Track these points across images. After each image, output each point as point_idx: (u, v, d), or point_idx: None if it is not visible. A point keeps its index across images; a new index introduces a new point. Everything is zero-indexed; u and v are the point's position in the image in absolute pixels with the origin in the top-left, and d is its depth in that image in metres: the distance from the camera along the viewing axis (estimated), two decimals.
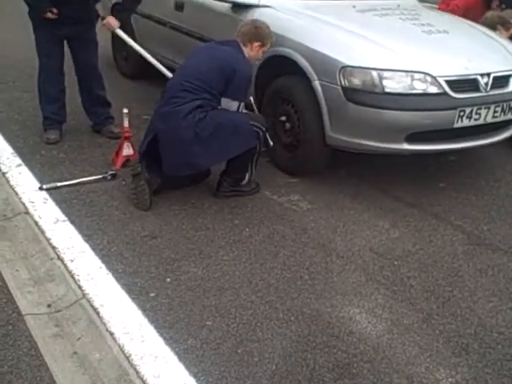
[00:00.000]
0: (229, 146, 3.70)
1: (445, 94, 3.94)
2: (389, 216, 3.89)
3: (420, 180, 4.46)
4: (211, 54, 3.82)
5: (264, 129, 3.80)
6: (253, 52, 3.90)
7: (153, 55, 5.58)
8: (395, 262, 3.35)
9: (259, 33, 3.91)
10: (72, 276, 2.99)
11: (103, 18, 4.73)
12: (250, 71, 3.83)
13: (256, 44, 3.90)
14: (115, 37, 6.48)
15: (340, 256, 3.38)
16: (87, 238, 3.36)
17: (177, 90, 3.71)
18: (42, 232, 3.37)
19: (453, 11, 5.79)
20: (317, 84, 4.02)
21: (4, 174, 4.01)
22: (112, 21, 4.67)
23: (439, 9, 6.16)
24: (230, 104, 3.74)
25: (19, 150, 4.38)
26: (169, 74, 4.67)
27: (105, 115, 4.86)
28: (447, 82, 3.94)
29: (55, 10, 4.35)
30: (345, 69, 3.90)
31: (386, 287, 3.11)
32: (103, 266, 3.10)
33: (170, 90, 3.78)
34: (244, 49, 3.86)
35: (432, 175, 4.57)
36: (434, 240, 3.63)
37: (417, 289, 3.12)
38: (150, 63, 4.96)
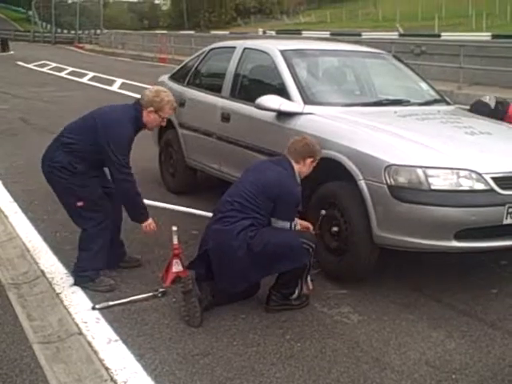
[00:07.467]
0: (279, 262, 3.75)
1: (492, 190, 3.96)
2: (443, 326, 3.80)
3: (472, 286, 4.37)
4: (261, 174, 3.94)
5: (314, 246, 3.82)
6: (305, 167, 4.01)
7: (200, 167, 5.83)
8: (453, 376, 3.24)
9: (312, 150, 4.02)
10: None
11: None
12: (296, 192, 3.88)
13: (309, 160, 4.01)
14: (162, 153, 6.77)
15: (395, 371, 3.29)
16: (139, 357, 3.36)
17: (227, 209, 3.83)
18: (96, 353, 3.39)
19: None
20: (362, 183, 4.09)
21: (58, 294, 4.09)
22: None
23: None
24: (281, 224, 3.83)
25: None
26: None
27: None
28: (493, 178, 3.97)
29: None
30: (390, 167, 3.98)
31: None
32: None
33: (222, 206, 3.90)
34: (296, 165, 3.96)
35: (484, 281, 4.48)
36: (492, 351, 3.51)
37: None
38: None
